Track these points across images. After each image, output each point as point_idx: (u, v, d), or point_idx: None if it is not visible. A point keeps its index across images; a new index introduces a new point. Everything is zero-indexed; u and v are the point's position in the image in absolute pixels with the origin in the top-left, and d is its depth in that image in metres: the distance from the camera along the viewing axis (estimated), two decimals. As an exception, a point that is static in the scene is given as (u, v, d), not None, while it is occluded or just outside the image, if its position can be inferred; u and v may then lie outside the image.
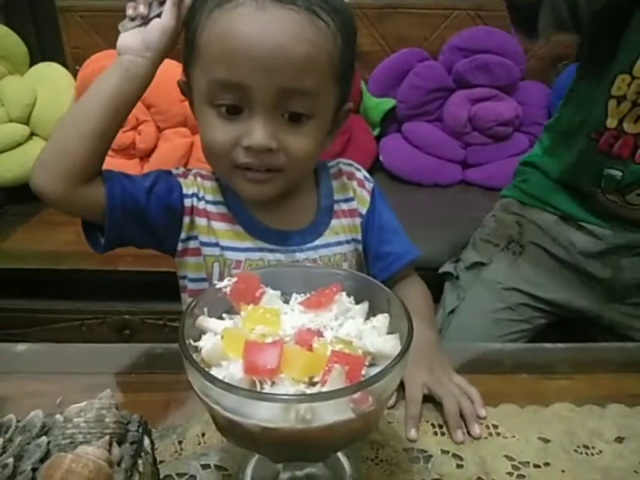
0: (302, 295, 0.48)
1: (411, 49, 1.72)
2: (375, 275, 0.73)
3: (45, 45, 1.78)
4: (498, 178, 1.53)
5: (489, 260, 1.09)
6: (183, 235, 0.68)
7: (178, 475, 0.50)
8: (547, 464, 0.52)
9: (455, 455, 0.53)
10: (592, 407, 0.59)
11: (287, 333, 0.42)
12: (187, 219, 0.68)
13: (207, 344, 0.41)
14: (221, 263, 0.69)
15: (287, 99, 0.59)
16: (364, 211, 0.75)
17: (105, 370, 0.64)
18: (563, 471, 0.52)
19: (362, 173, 0.77)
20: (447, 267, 1.16)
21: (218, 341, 0.41)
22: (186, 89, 0.66)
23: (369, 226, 0.75)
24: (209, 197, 0.69)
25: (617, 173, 0.91)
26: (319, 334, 0.42)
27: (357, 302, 0.47)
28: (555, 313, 1.06)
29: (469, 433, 0.56)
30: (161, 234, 0.68)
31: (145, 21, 0.61)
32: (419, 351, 0.59)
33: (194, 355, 0.40)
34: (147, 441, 0.41)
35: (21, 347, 0.68)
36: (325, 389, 0.37)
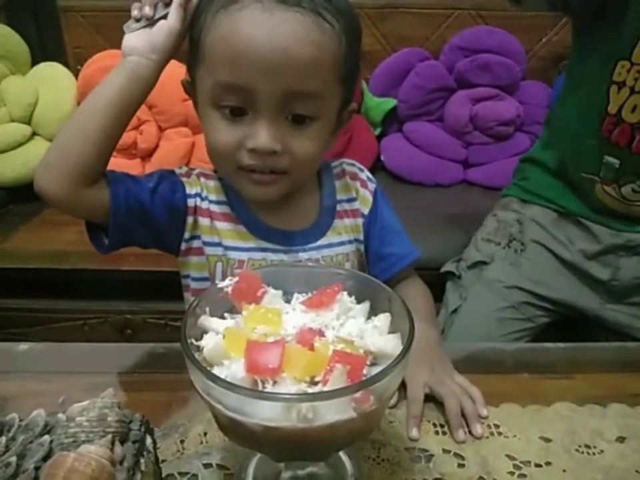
0: (303, 294, 0.48)
1: (412, 49, 1.72)
2: (376, 275, 0.73)
3: (46, 45, 1.78)
4: (499, 178, 1.53)
5: (490, 259, 1.09)
6: (186, 235, 0.68)
7: (180, 474, 0.51)
8: (548, 463, 0.52)
9: (456, 455, 0.53)
10: (593, 406, 0.59)
11: (288, 332, 0.42)
12: (190, 219, 0.68)
13: (208, 343, 0.41)
14: (224, 262, 0.69)
15: (291, 101, 0.59)
16: (366, 211, 0.75)
17: (107, 369, 0.64)
18: (564, 471, 0.52)
19: (365, 174, 0.77)
20: (449, 267, 1.16)
21: (220, 340, 0.41)
22: (190, 88, 0.66)
23: (370, 226, 0.75)
24: (212, 197, 0.70)
25: (615, 161, 0.92)
26: (321, 333, 0.42)
27: (359, 301, 0.47)
28: (557, 312, 1.06)
29: (470, 432, 0.56)
30: (164, 234, 0.68)
31: (151, 22, 0.61)
32: (421, 350, 0.59)
33: (196, 355, 0.40)
34: (149, 440, 0.41)
35: (23, 346, 0.68)
36: (326, 389, 0.37)
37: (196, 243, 0.69)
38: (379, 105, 1.72)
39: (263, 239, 0.69)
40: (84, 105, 0.62)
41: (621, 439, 0.55)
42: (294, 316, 0.45)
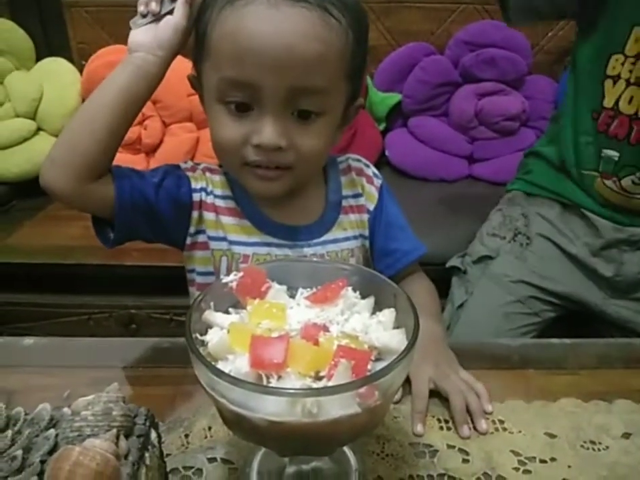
0: (308, 289, 0.48)
1: (417, 43, 1.71)
2: (381, 271, 0.72)
3: (51, 40, 1.78)
4: (504, 173, 1.52)
5: (496, 253, 1.09)
6: (191, 229, 0.69)
7: (184, 468, 0.51)
8: (553, 459, 0.52)
9: (460, 450, 0.53)
10: (599, 402, 0.59)
11: (293, 327, 0.42)
12: (195, 213, 0.68)
13: (213, 338, 0.41)
14: (229, 257, 0.69)
15: (296, 96, 0.59)
16: (372, 207, 0.75)
17: (112, 364, 0.65)
18: (569, 467, 0.52)
19: (371, 169, 0.77)
20: (454, 262, 1.16)
21: (224, 335, 0.41)
22: (196, 83, 0.66)
23: (376, 222, 0.75)
24: (218, 192, 0.70)
25: (614, 154, 0.93)
26: (325, 329, 0.42)
27: (363, 297, 0.47)
28: (563, 306, 1.06)
29: (475, 428, 0.56)
30: (170, 228, 0.68)
31: (157, 17, 0.61)
32: (426, 345, 0.59)
33: (200, 349, 0.40)
34: (153, 434, 0.41)
35: (28, 340, 0.68)
36: (331, 384, 0.37)
37: (201, 238, 0.69)
38: (384, 99, 1.72)
39: (267, 234, 0.69)
40: (90, 100, 0.62)
41: (626, 435, 0.55)
42: (298, 311, 0.45)
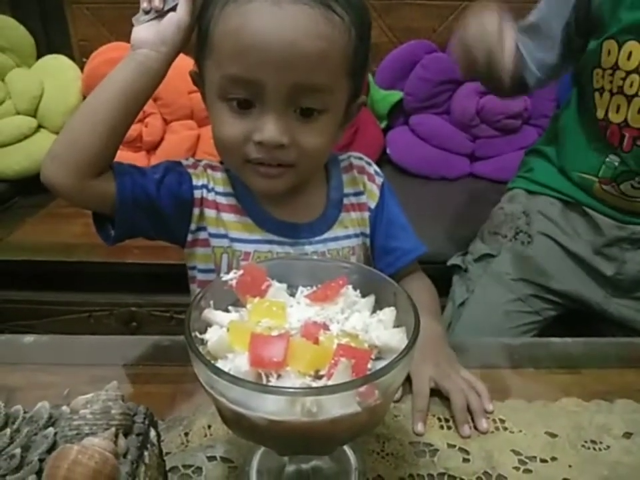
0: (308, 288, 0.48)
1: (419, 41, 1.71)
2: (381, 269, 0.72)
3: (52, 38, 1.78)
4: (506, 171, 1.51)
5: (497, 252, 1.09)
6: (192, 226, 0.68)
7: (184, 466, 0.51)
8: (554, 459, 0.52)
9: (461, 449, 0.53)
10: (600, 402, 0.59)
11: (292, 326, 0.42)
12: (196, 210, 0.68)
13: (212, 336, 0.41)
14: (230, 254, 0.69)
15: (299, 94, 0.58)
16: (373, 205, 0.74)
17: (112, 362, 0.64)
18: (570, 466, 0.51)
19: (372, 168, 0.77)
20: (455, 260, 1.16)
21: (224, 333, 0.41)
22: (198, 79, 0.66)
23: (377, 220, 0.75)
24: (219, 189, 0.69)
25: (615, 159, 0.93)
26: (325, 327, 0.42)
27: (364, 295, 0.47)
28: (564, 305, 1.06)
29: (475, 427, 0.56)
30: (171, 225, 0.68)
31: (160, 14, 0.60)
32: (426, 344, 0.59)
33: (200, 348, 0.40)
34: (153, 433, 0.41)
35: (28, 338, 0.68)
36: (330, 383, 0.37)
37: (202, 235, 0.69)
38: (385, 97, 1.71)
39: (269, 231, 0.69)
40: (92, 96, 0.61)
41: (627, 435, 0.55)
42: (298, 309, 0.44)
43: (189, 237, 0.69)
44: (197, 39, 0.63)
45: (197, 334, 0.42)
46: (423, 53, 1.68)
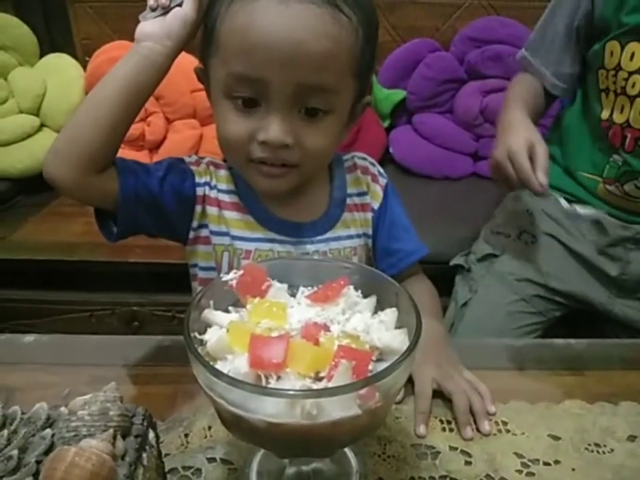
0: (309, 288, 0.47)
1: (422, 40, 1.70)
2: (383, 270, 0.71)
3: (54, 36, 1.78)
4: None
5: (500, 251, 1.08)
6: (194, 224, 0.68)
7: (184, 468, 0.50)
8: (557, 462, 0.52)
9: (463, 452, 0.53)
10: (604, 404, 0.58)
11: (293, 326, 0.41)
12: (198, 208, 0.68)
13: (212, 337, 0.40)
14: (231, 252, 0.68)
15: (304, 94, 0.58)
16: (376, 206, 0.74)
17: (113, 362, 0.64)
18: (573, 469, 0.51)
19: (376, 168, 0.77)
20: (458, 260, 1.15)
21: (223, 334, 0.41)
22: (203, 76, 0.65)
23: (380, 221, 0.74)
24: (221, 186, 0.69)
25: (619, 159, 0.94)
26: (326, 328, 0.41)
27: (365, 296, 0.46)
28: (568, 305, 1.05)
29: (478, 429, 0.55)
30: (173, 222, 0.67)
31: (166, 10, 0.60)
32: (428, 345, 0.58)
33: (199, 349, 0.39)
34: (151, 434, 0.41)
35: (28, 338, 0.68)
36: (331, 385, 0.36)
37: (204, 232, 0.69)
38: (388, 96, 1.71)
39: (270, 230, 0.69)
40: (95, 91, 0.61)
41: (632, 438, 0.54)
42: (299, 310, 0.44)
43: (191, 235, 0.69)
44: (202, 36, 0.62)
45: (197, 334, 0.41)
46: (426, 52, 1.67)
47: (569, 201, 1.04)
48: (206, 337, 0.41)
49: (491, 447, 0.53)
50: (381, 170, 0.77)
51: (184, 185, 0.67)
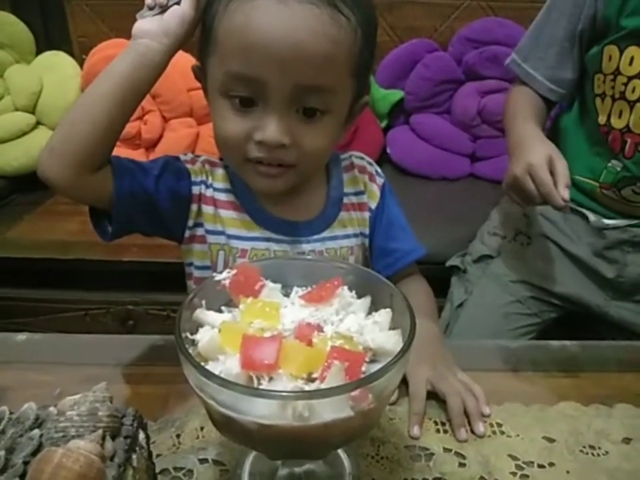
0: (303, 288, 0.47)
1: (420, 40, 1.69)
2: (379, 271, 0.71)
3: (51, 34, 1.77)
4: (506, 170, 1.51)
5: (496, 253, 1.08)
6: (190, 222, 0.68)
7: (175, 469, 0.50)
8: (551, 464, 0.51)
9: (457, 454, 0.52)
10: (599, 406, 0.58)
11: (286, 327, 0.41)
12: (194, 206, 0.67)
13: (203, 337, 0.40)
14: (226, 251, 0.68)
15: (302, 94, 0.58)
16: (373, 205, 0.74)
17: (105, 361, 0.64)
18: (567, 472, 0.51)
19: (374, 168, 0.76)
20: (454, 261, 1.15)
21: (215, 334, 0.40)
22: (200, 74, 0.65)
23: (377, 221, 0.74)
24: (217, 185, 0.69)
25: (617, 164, 0.93)
26: (319, 329, 0.41)
27: (359, 296, 0.46)
28: (563, 307, 1.05)
29: (472, 431, 0.55)
30: (168, 221, 0.67)
31: (164, 9, 0.60)
32: (423, 346, 0.58)
33: (190, 349, 0.39)
34: (141, 435, 0.40)
35: (21, 336, 0.68)
36: (323, 386, 0.36)
37: (199, 231, 0.68)
38: (386, 96, 1.70)
39: (267, 229, 0.69)
40: (91, 88, 0.60)
41: (627, 440, 0.54)
42: (292, 310, 0.44)
43: (187, 233, 0.68)
44: (200, 34, 0.62)
45: (188, 335, 0.41)
46: (424, 52, 1.67)
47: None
48: (197, 337, 0.41)
49: (485, 449, 0.53)
50: (378, 169, 0.77)
51: (179, 184, 0.66)
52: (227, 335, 0.39)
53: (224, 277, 0.45)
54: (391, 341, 0.41)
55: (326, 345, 0.39)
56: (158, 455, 0.50)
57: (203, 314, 0.43)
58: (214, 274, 0.46)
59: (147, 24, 0.59)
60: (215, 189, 0.68)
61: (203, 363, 0.37)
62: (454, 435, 0.55)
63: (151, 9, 0.60)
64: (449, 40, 1.69)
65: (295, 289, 0.47)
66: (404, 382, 0.58)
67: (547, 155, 0.80)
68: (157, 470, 0.46)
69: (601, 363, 0.65)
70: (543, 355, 0.67)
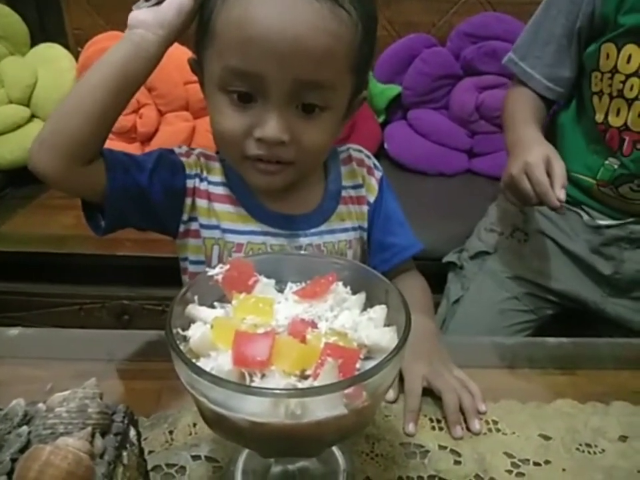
0: (297, 284, 0.46)
1: (419, 35, 1.68)
2: (376, 265, 0.71)
3: (46, 26, 1.74)
4: (504, 168, 1.50)
5: (493, 249, 1.08)
6: (184, 217, 0.67)
7: (167, 465, 0.49)
8: (547, 462, 0.51)
9: (452, 451, 0.52)
10: (595, 404, 0.58)
11: (279, 323, 0.40)
12: (188, 200, 0.66)
13: (195, 333, 0.39)
14: (221, 245, 0.67)
15: (302, 90, 0.57)
16: (372, 199, 0.73)
17: (99, 357, 0.63)
18: (563, 470, 0.50)
19: (372, 161, 0.76)
20: (451, 257, 1.15)
21: (207, 330, 0.40)
22: (196, 67, 0.64)
23: (375, 215, 0.74)
24: (212, 178, 0.68)
25: (615, 162, 0.93)
26: (313, 325, 0.40)
27: (354, 292, 0.45)
28: (560, 304, 1.05)
29: (468, 428, 0.55)
30: (162, 215, 0.66)
31: (160, 0, 0.58)
32: (419, 342, 0.58)
33: (182, 345, 0.39)
34: (132, 432, 0.40)
35: (13, 331, 0.67)
36: (316, 383, 0.35)
37: (193, 225, 0.68)
38: (384, 91, 1.69)
39: (263, 222, 0.68)
40: (84, 78, 0.59)
41: (623, 438, 0.54)
42: (286, 306, 0.43)
43: (181, 228, 0.68)
44: (197, 26, 0.61)
45: (180, 330, 0.40)
46: (422, 47, 1.66)
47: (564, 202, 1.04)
48: (189, 333, 0.40)
49: (480, 447, 0.52)
50: (376, 162, 0.77)
51: (174, 177, 0.65)
52: (219, 331, 0.39)
53: (217, 272, 0.44)
54: (386, 338, 0.40)
55: (320, 342, 0.38)
56: (150, 452, 0.50)
57: (195, 309, 0.42)
58: (207, 269, 0.45)
59: (142, 14, 0.58)
60: (210, 183, 0.68)
61: (194, 360, 0.37)
62: (449, 432, 0.54)
63: (147, 0, 0.59)
64: (447, 35, 1.68)
65: (289, 284, 0.46)
66: (399, 379, 0.58)
67: (544, 155, 0.80)
68: (149, 467, 0.46)
69: (597, 360, 0.65)
70: (540, 352, 0.66)
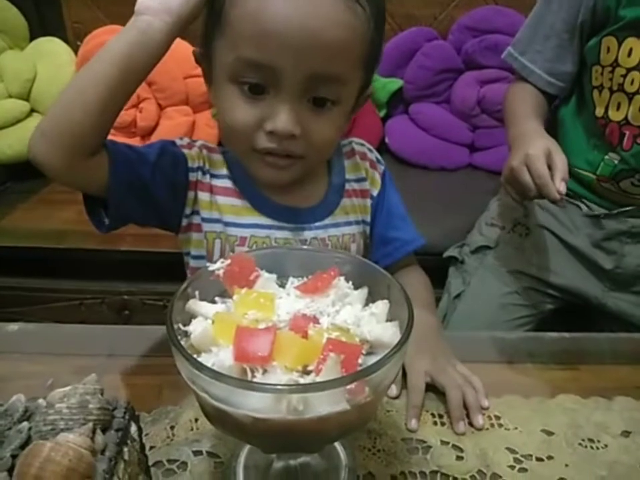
0: (299, 279, 0.46)
1: (420, 28, 1.68)
2: (378, 260, 0.71)
3: (45, 20, 1.73)
4: (505, 162, 1.50)
5: (494, 243, 1.07)
6: (187, 210, 0.66)
7: (169, 461, 0.49)
8: (550, 457, 0.51)
9: (455, 446, 0.52)
10: (598, 399, 0.58)
11: (281, 318, 0.40)
12: (191, 194, 0.66)
13: (196, 329, 0.39)
14: (223, 239, 0.67)
15: (315, 83, 0.57)
16: (375, 192, 0.73)
17: (99, 352, 0.63)
18: (566, 465, 0.50)
19: (374, 154, 0.76)
20: (452, 251, 1.15)
21: (208, 325, 0.39)
22: (202, 59, 0.63)
23: (378, 209, 0.73)
24: (214, 171, 0.67)
25: (615, 157, 0.92)
26: (315, 320, 0.40)
27: (356, 287, 0.45)
28: (561, 299, 1.04)
29: (470, 423, 0.54)
30: (165, 209, 0.65)
31: None
32: (421, 337, 0.57)
33: (183, 340, 0.38)
34: (133, 428, 0.39)
35: (13, 326, 0.67)
36: (319, 379, 0.35)
37: (196, 219, 0.67)
38: (385, 85, 1.69)
39: (268, 216, 0.67)
40: (86, 67, 0.56)
41: (626, 434, 0.54)
42: (288, 301, 0.42)
43: (184, 222, 0.67)
44: (207, 17, 0.60)
45: (181, 326, 0.40)
46: (423, 41, 1.65)
47: (565, 196, 1.03)
48: (190, 328, 0.40)
49: (483, 442, 0.52)
50: (379, 156, 0.76)
51: (176, 171, 0.64)
52: (220, 327, 0.39)
53: (218, 266, 0.44)
54: (389, 333, 0.40)
55: (322, 337, 0.38)
56: (152, 447, 0.50)
57: (196, 305, 0.42)
58: (208, 264, 0.45)
59: (149, 0, 0.57)
60: (213, 175, 0.67)
61: (195, 355, 0.36)
62: (452, 427, 0.54)
63: None
64: (449, 28, 1.68)
65: (291, 279, 0.46)
66: (402, 374, 0.58)
67: (545, 148, 0.79)
68: (151, 462, 0.46)
69: (599, 355, 0.65)
70: (541, 347, 0.66)
